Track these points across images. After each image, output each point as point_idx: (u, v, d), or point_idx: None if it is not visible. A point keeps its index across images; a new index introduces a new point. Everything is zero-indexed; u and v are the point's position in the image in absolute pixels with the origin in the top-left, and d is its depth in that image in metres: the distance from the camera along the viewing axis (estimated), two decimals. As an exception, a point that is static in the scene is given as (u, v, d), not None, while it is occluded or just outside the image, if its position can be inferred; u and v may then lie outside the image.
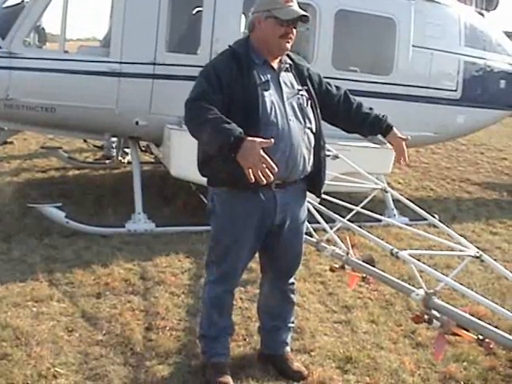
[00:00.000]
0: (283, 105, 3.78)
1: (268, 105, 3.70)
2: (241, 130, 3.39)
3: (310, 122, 3.90)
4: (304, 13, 3.79)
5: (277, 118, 3.71)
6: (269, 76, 3.80)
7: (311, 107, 3.93)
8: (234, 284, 4.18)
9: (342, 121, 4.33)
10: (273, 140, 3.42)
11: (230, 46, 3.91)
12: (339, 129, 4.44)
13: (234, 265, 4.02)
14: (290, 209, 3.96)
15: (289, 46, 3.85)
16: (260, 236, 3.95)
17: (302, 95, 3.89)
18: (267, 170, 3.29)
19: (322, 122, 4.04)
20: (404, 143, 4.28)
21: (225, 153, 3.41)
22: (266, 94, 3.72)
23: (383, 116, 4.31)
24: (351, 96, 4.29)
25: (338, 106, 4.21)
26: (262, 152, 3.29)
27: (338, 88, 4.26)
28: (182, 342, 4.60)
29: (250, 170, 3.30)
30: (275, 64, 3.87)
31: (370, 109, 4.33)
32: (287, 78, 3.90)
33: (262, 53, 3.83)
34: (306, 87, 3.94)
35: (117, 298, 5.30)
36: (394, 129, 4.31)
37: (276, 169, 3.33)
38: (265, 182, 3.32)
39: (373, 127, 4.31)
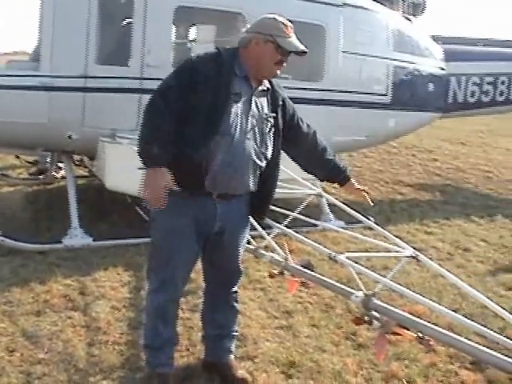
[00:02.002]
0: (246, 122, 3.79)
1: (232, 115, 3.71)
2: (169, 158, 3.62)
3: (266, 149, 3.93)
4: (305, 49, 3.85)
5: (235, 131, 3.74)
6: (243, 90, 3.80)
7: (273, 135, 3.96)
8: (175, 292, 4.12)
9: (303, 158, 4.38)
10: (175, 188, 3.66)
11: (217, 49, 3.89)
12: (297, 164, 4.46)
13: (172, 272, 3.99)
14: (230, 218, 3.97)
15: (278, 72, 3.90)
16: (199, 243, 3.96)
17: (267, 121, 3.91)
18: (154, 201, 3.63)
19: None
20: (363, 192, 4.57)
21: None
22: (234, 105, 3.73)
23: (343, 166, 4.43)
24: (319, 137, 4.34)
25: (304, 144, 4.26)
26: (162, 189, 3.59)
27: (308, 126, 4.29)
28: (126, 356, 4.57)
29: (146, 191, 3.60)
30: (254, 82, 3.88)
31: (334, 155, 4.42)
32: (260, 99, 3.91)
33: (247, 69, 3.82)
34: (274, 114, 3.96)
35: (57, 314, 5.22)
36: (352, 180, 4.47)
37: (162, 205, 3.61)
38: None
39: (331, 174, 4.43)
